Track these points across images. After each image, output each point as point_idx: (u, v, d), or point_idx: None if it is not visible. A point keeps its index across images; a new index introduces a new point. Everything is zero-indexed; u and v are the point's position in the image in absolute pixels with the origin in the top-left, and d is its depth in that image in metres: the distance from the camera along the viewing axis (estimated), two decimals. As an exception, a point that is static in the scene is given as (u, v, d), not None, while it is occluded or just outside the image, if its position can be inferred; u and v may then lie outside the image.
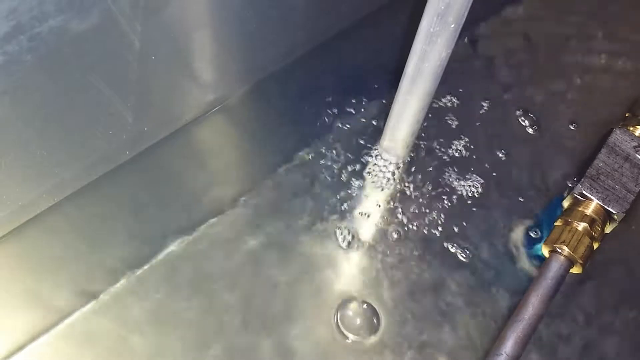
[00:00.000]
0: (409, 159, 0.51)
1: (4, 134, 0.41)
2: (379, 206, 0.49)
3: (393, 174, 0.51)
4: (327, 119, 0.53)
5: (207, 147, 0.53)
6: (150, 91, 0.47)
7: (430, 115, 0.53)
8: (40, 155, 0.44)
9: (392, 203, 0.50)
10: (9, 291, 0.45)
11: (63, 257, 0.47)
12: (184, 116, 0.52)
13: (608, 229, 0.49)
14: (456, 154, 0.52)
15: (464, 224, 0.49)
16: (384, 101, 0.54)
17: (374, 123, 0.53)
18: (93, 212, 0.48)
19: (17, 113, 0.40)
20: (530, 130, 0.54)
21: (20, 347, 0.43)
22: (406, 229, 0.49)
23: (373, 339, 0.45)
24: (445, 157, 0.52)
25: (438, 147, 0.52)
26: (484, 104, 0.55)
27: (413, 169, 0.51)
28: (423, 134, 0.52)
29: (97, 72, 0.42)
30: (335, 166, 0.51)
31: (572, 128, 0.54)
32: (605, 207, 0.48)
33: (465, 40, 0.58)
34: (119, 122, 0.47)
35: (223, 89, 0.53)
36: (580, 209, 0.48)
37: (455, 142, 0.53)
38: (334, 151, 0.52)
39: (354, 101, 0.54)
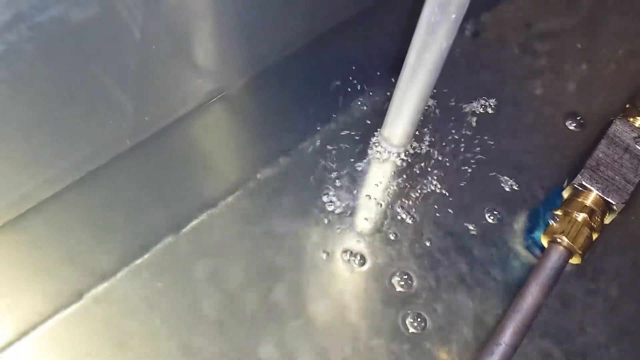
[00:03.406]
0: (409, 149, 0.51)
1: (4, 124, 0.41)
2: (381, 192, 0.50)
3: (393, 162, 0.51)
4: (327, 110, 0.53)
5: (207, 136, 0.53)
6: (151, 81, 0.47)
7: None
8: (40, 144, 0.44)
9: (392, 189, 0.50)
10: (8, 279, 0.45)
11: (63, 245, 0.47)
12: (184, 106, 0.52)
13: (607, 219, 0.49)
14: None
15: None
16: (384, 92, 0.54)
17: (375, 113, 0.53)
18: (93, 201, 0.48)
19: (17, 103, 0.40)
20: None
21: (20, 336, 0.44)
22: (406, 215, 0.49)
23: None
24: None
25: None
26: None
27: (414, 158, 0.51)
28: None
29: (98, 62, 0.42)
30: (335, 156, 0.51)
31: (573, 118, 0.54)
32: (605, 197, 0.48)
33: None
34: (119, 112, 0.47)
35: (223, 79, 0.53)
36: (579, 199, 0.48)
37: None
38: (334, 141, 0.52)
39: (354, 92, 0.54)
